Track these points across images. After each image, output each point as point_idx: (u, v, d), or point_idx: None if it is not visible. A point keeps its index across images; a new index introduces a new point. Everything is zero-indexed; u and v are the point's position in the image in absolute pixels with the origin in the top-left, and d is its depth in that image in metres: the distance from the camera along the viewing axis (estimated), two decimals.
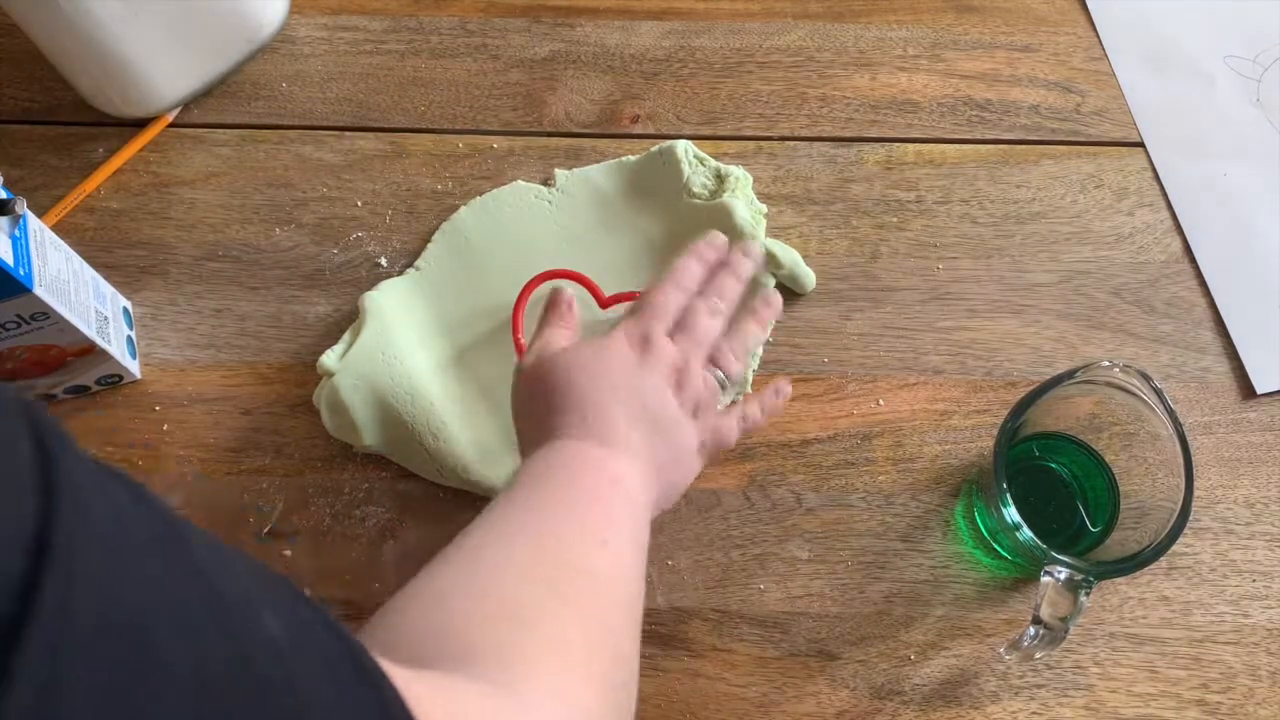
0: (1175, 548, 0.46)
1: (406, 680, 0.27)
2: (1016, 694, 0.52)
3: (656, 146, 0.62)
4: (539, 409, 0.46)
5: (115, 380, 0.57)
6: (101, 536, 0.21)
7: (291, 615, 0.25)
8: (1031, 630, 0.47)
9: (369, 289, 0.58)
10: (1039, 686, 0.52)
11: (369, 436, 0.54)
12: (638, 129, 0.65)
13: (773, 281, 0.59)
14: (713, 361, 0.49)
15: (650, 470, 0.44)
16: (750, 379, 0.58)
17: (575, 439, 0.43)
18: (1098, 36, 0.69)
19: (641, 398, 0.45)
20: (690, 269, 0.51)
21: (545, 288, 0.58)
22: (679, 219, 0.61)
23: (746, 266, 0.52)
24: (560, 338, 0.49)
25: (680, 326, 0.49)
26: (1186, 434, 0.47)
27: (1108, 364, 0.48)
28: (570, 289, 0.53)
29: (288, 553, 0.54)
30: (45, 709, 0.17)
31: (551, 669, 0.33)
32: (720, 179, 0.61)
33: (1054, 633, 0.46)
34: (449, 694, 0.29)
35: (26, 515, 0.19)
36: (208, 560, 0.23)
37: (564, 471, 0.42)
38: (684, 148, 0.62)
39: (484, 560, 0.37)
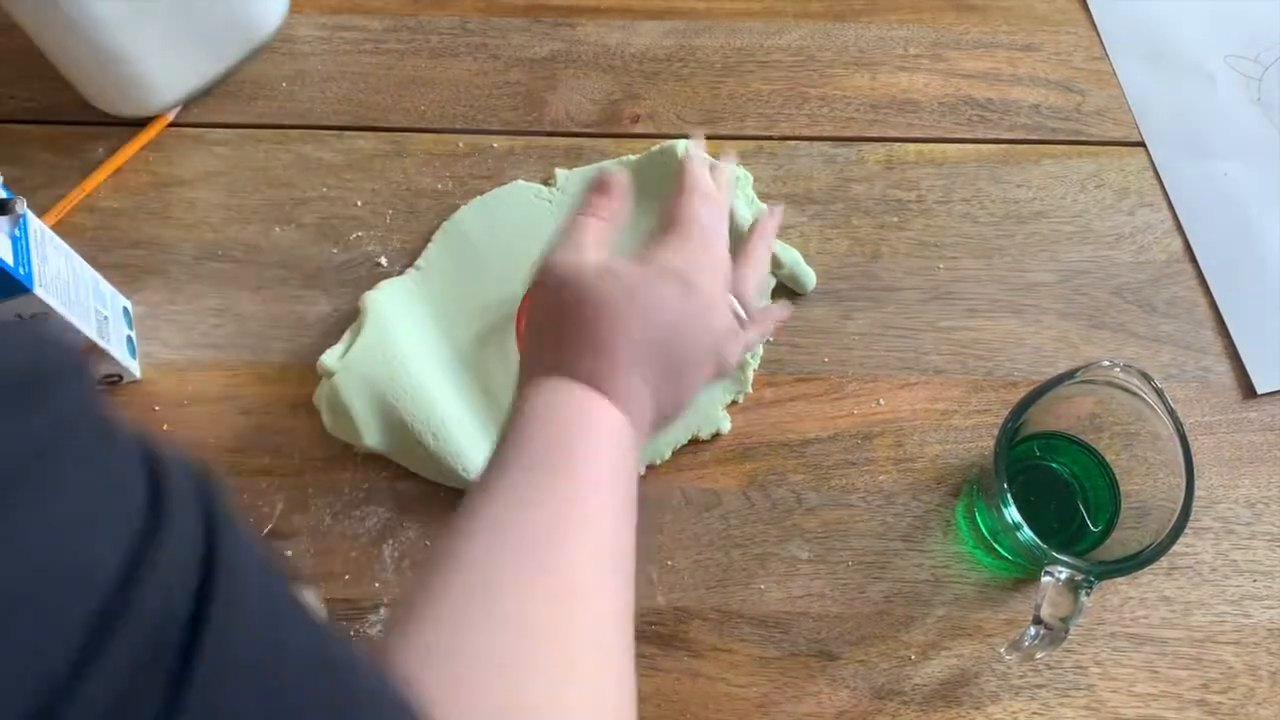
0: (1176, 548, 0.46)
1: None
2: (1017, 694, 0.52)
3: (656, 146, 0.62)
4: (550, 327, 0.42)
5: (115, 380, 0.57)
6: (249, 572, 0.22)
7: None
8: (1032, 630, 0.47)
9: (369, 289, 0.58)
10: (1039, 686, 0.52)
11: (369, 436, 0.54)
12: (638, 129, 0.65)
13: (773, 283, 0.59)
14: (733, 290, 0.47)
15: (648, 414, 0.42)
16: (750, 377, 0.58)
17: (579, 383, 0.40)
18: (1098, 36, 0.69)
19: (662, 340, 0.42)
20: (702, 177, 0.48)
21: None
22: None
23: (722, 194, 0.50)
24: (594, 237, 0.44)
25: (734, 275, 0.47)
26: (1187, 434, 0.47)
27: (1108, 364, 0.48)
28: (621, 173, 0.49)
29: (288, 553, 0.54)
30: None
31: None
32: None
33: (1054, 633, 0.46)
34: None
35: (197, 540, 0.21)
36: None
37: (561, 451, 0.39)
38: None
39: (486, 591, 0.34)
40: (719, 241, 0.47)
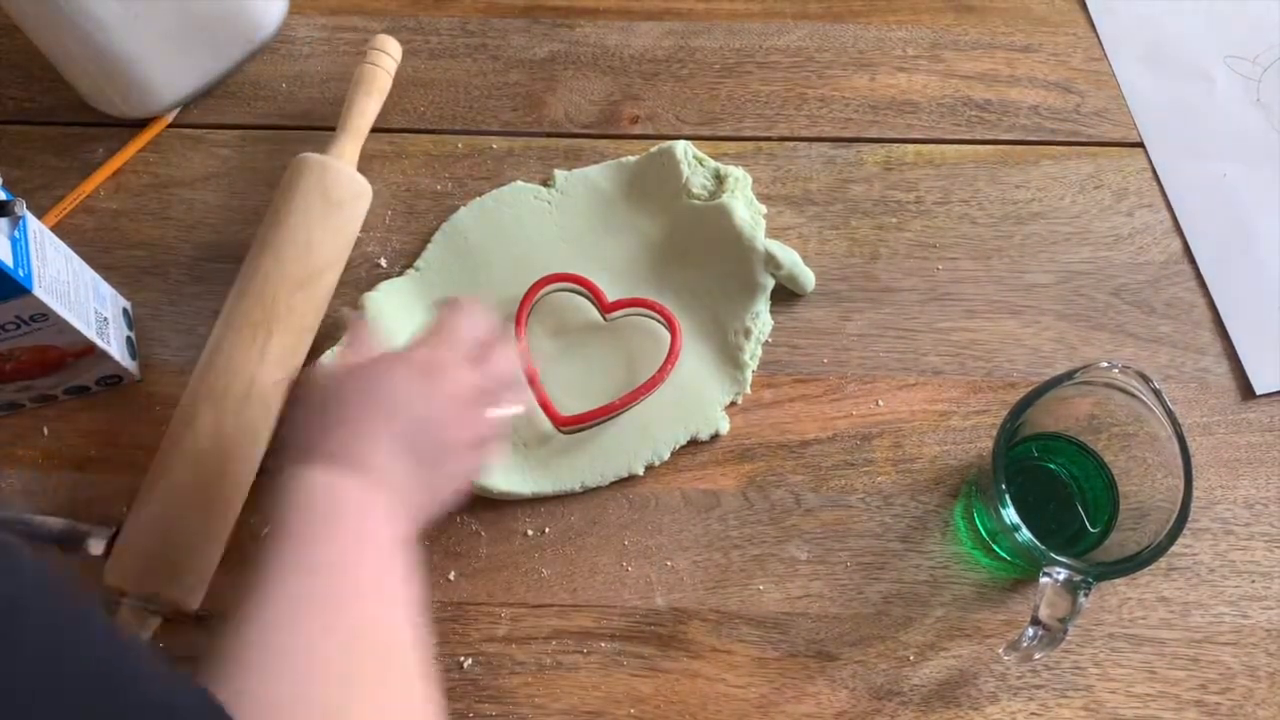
0: (1174, 548, 0.46)
1: None
2: (1015, 694, 0.52)
3: (656, 147, 0.62)
4: (310, 421, 0.46)
5: (115, 381, 0.57)
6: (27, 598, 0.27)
7: None
8: (1030, 631, 0.47)
9: (369, 289, 0.59)
10: (1038, 687, 0.52)
11: None
12: (637, 129, 0.65)
13: (772, 283, 0.59)
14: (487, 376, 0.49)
15: (400, 503, 0.44)
16: (749, 378, 0.58)
17: (335, 471, 0.43)
18: (1097, 37, 0.69)
19: (415, 426, 0.45)
20: (482, 309, 0.52)
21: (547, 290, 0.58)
22: (678, 219, 0.61)
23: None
24: (353, 357, 0.50)
25: (479, 359, 0.49)
26: (1185, 434, 0.47)
27: (1107, 365, 0.48)
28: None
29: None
30: None
31: None
32: (719, 179, 0.61)
33: (1053, 633, 0.46)
34: None
35: None
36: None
37: (324, 526, 0.42)
38: (683, 148, 0.62)
39: (284, 652, 0.37)
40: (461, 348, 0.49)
